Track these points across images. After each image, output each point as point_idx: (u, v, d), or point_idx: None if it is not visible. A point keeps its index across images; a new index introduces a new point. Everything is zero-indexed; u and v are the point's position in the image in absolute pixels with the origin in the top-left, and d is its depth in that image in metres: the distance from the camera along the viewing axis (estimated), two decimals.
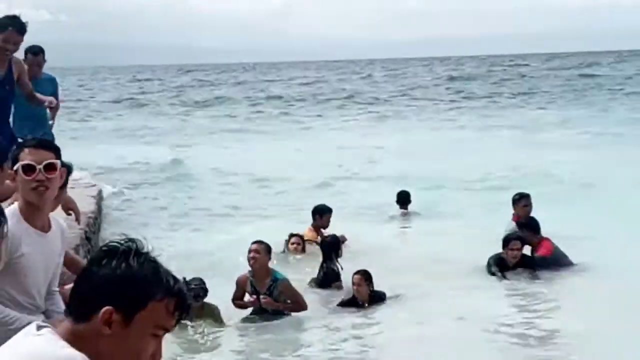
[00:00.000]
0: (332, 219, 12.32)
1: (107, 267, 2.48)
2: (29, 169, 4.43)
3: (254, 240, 9.47)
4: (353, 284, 9.71)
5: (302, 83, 63.48)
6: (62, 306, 4.67)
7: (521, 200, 11.99)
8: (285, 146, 26.26)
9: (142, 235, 2.65)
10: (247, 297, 9.30)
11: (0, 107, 8.51)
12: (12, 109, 9.31)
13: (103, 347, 2.45)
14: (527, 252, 10.84)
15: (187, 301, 2.56)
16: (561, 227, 11.89)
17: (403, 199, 14.44)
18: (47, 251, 4.57)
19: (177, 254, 10.79)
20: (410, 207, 14.45)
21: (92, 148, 24.60)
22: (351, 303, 9.67)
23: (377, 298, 9.74)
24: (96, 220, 11.52)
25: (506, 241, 10.72)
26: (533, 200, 12.02)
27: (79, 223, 6.83)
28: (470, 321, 9.09)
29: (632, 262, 10.59)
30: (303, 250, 11.92)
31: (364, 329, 9.07)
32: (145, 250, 2.55)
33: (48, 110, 10.18)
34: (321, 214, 12.31)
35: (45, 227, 4.56)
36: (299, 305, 9.24)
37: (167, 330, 2.54)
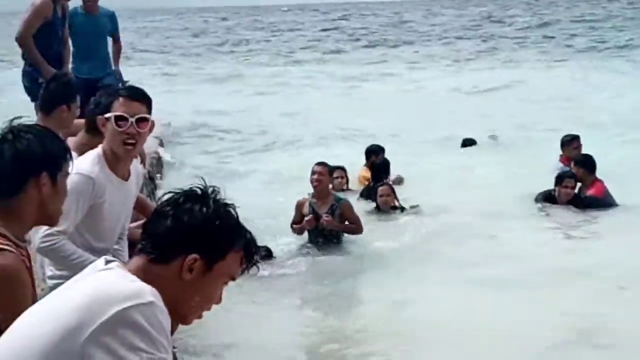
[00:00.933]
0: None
1: (194, 213, 2.56)
2: (121, 120, 4.42)
3: (317, 162, 9.64)
4: (380, 195, 10.45)
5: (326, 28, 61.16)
6: (126, 252, 4.82)
7: (572, 142, 11.96)
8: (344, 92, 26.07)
9: (213, 182, 2.72)
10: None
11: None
12: (72, 48, 9.50)
13: (178, 291, 2.54)
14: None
15: (259, 254, 2.69)
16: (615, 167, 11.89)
17: (468, 144, 14.73)
18: (125, 199, 4.67)
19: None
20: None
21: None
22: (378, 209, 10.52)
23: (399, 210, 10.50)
24: (159, 160, 11.79)
25: (560, 178, 10.60)
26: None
27: (144, 166, 6.93)
28: (495, 241, 9.41)
29: None
30: (347, 184, 11.91)
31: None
32: (225, 199, 2.63)
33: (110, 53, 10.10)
34: (376, 153, 12.34)
35: (126, 175, 4.63)
36: (358, 227, 9.43)
37: (233, 279, 2.66)
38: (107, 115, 4.47)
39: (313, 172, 9.39)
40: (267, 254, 8.78)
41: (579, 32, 44.53)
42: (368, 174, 12.17)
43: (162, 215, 2.59)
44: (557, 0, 77.76)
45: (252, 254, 2.65)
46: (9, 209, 3.14)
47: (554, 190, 10.60)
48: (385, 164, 11.48)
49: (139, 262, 2.58)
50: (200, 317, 2.67)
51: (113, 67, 9.93)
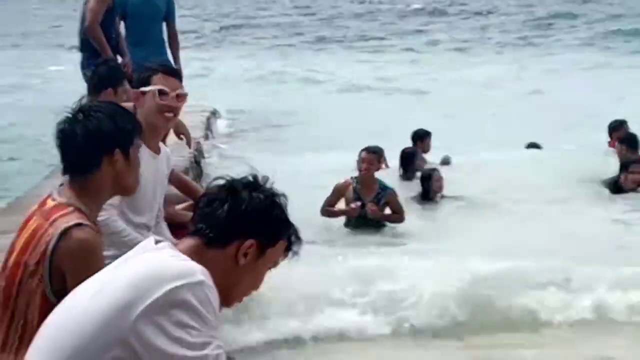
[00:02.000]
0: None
1: (252, 200, 2.63)
2: (163, 94, 4.63)
3: (364, 147, 9.24)
4: (436, 180, 10.09)
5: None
6: (167, 234, 4.87)
7: (622, 126, 11.74)
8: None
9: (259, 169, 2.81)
10: (341, 205, 9.12)
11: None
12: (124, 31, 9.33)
13: (230, 274, 2.61)
14: None
15: (300, 243, 2.75)
16: None
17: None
18: (158, 173, 4.76)
19: None
20: None
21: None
22: (424, 197, 10.11)
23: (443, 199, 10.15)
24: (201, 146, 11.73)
25: (625, 165, 10.41)
26: None
27: (189, 147, 7.07)
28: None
29: None
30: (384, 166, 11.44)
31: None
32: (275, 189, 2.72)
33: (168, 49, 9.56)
34: (422, 138, 11.92)
35: (157, 150, 4.76)
36: (400, 216, 9.16)
37: (276, 266, 2.75)
38: (146, 88, 4.63)
39: (362, 160, 9.02)
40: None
41: None
42: None
43: (218, 200, 2.65)
44: None
45: (297, 242, 2.74)
46: (85, 185, 3.26)
47: (619, 177, 10.39)
48: (412, 153, 10.93)
49: (192, 244, 2.62)
50: (241, 301, 2.75)
51: (172, 60, 9.36)
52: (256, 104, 19.98)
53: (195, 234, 2.63)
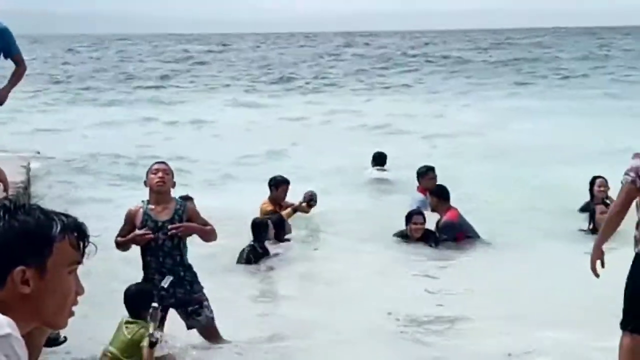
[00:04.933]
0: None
1: None
2: None
3: (157, 160, 7.99)
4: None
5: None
6: None
7: (428, 173, 12.63)
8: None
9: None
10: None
11: None
12: None
13: (30, 305, 2.44)
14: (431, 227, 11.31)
15: (86, 230, 2.55)
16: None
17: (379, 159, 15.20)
18: None
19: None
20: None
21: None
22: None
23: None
24: (26, 190, 11.60)
25: (409, 216, 11.26)
26: None
27: (7, 193, 6.80)
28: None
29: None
30: None
31: None
32: (23, 202, 2.53)
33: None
34: (277, 185, 11.97)
35: None
36: (214, 230, 7.66)
37: (79, 263, 2.53)
38: None
39: (156, 170, 7.53)
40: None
41: None
42: (268, 206, 11.80)
43: None
44: None
45: (81, 232, 2.54)
46: None
47: (406, 229, 11.23)
48: (264, 223, 10.85)
49: None
50: (71, 314, 2.56)
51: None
52: None
53: None
